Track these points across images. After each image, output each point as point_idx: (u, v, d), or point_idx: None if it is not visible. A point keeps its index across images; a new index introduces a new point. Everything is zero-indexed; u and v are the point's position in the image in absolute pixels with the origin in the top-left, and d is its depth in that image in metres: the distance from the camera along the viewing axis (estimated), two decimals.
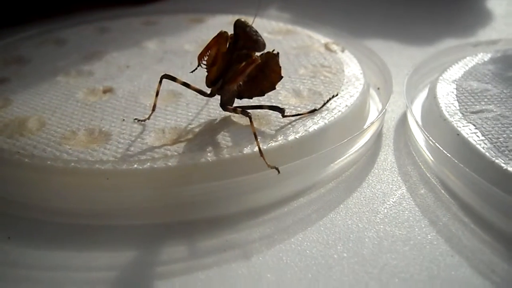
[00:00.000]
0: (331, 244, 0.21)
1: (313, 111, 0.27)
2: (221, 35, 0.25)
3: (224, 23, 0.41)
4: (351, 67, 0.33)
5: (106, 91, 0.31)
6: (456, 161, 0.24)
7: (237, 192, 0.24)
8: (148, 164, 0.23)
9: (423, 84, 0.34)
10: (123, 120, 0.27)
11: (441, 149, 0.25)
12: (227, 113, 0.27)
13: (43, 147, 0.25)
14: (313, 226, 0.23)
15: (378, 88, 0.33)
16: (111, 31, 0.40)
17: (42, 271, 0.21)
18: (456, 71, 0.33)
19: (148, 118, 0.27)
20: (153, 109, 0.27)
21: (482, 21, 0.49)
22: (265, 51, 0.26)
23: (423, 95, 0.33)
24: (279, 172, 0.23)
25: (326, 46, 0.36)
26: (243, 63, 0.25)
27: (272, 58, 0.26)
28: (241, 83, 0.26)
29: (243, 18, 0.25)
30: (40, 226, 0.23)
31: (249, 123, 0.24)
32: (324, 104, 0.28)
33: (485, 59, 0.35)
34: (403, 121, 0.31)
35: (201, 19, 0.42)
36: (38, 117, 0.28)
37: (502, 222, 0.23)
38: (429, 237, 0.22)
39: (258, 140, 0.23)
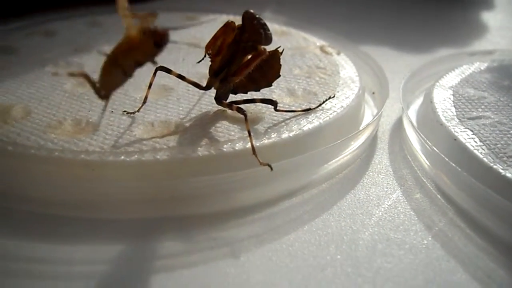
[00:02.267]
0: (323, 246, 0.21)
1: (307, 110, 0.26)
2: (228, 25, 0.24)
3: (218, 22, 0.40)
4: (347, 70, 0.32)
5: (72, 75, 0.30)
6: (453, 165, 0.24)
7: (227, 188, 0.23)
8: (136, 156, 0.22)
9: (419, 90, 0.33)
10: (112, 112, 0.26)
11: (438, 153, 0.25)
12: (220, 108, 0.26)
13: (27, 135, 0.24)
14: (305, 226, 0.22)
15: (373, 93, 0.33)
16: (102, 25, 0.40)
17: (21, 263, 0.20)
18: (453, 78, 0.33)
19: (138, 111, 0.26)
20: (144, 102, 0.26)
21: (477, 32, 0.49)
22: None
23: (418, 101, 0.32)
24: (271, 169, 0.22)
25: (322, 49, 0.35)
26: (249, 56, 0.24)
27: (275, 55, 0.25)
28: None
29: (252, 10, 0.24)
30: (20, 217, 0.22)
31: (243, 120, 0.23)
32: (320, 104, 0.27)
33: (482, 68, 0.34)
34: (398, 126, 0.30)
35: (196, 17, 0.42)
36: (24, 106, 0.27)
37: (499, 228, 0.22)
38: (425, 242, 0.21)
39: (252, 137, 0.23)
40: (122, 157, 0.22)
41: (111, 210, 0.23)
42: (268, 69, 0.25)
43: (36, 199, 0.22)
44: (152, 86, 0.26)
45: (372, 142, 0.28)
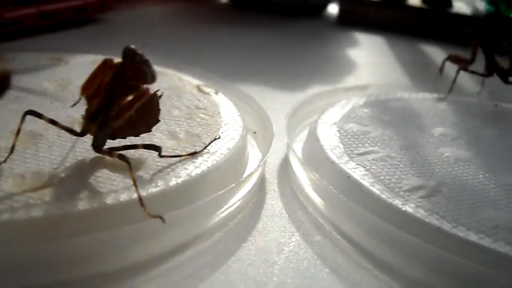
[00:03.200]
0: None
1: (193, 154, 0.25)
2: (106, 63, 0.22)
3: (86, 63, 0.38)
4: (227, 109, 0.31)
5: None
6: (353, 204, 0.24)
7: (115, 246, 0.20)
8: (6, 214, 0.20)
9: (300, 127, 0.33)
10: None
11: (336, 192, 0.24)
12: (97, 155, 0.24)
13: None
14: (204, 282, 0.20)
15: (255, 132, 0.32)
16: None
17: None
18: (334, 114, 0.33)
19: (5, 161, 0.23)
20: (12, 151, 0.23)
21: (347, 69, 0.51)
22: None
23: (301, 138, 0.32)
24: (164, 221, 0.20)
25: (199, 88, 0.34)
26: (130, 97, 0.22)
27: (154, 98, 0.23)
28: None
29: (132, 45, 0.22)
30: None
31: (126, 168, 0.21)
32: (206, 146, 0.26)
33: (360, 103, 0.35)
34: (284, 165, 0.30)
35: (62, 58, 0.39)
36: None
37: (404, 264, 0.22)
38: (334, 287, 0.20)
39: (137, 187, 0.21)
40: None
41: None
42: (147, 113, 0.24)
43: None
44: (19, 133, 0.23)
45: (261, 184, 0.27)
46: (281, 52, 0.55)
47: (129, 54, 0.22)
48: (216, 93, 0.34)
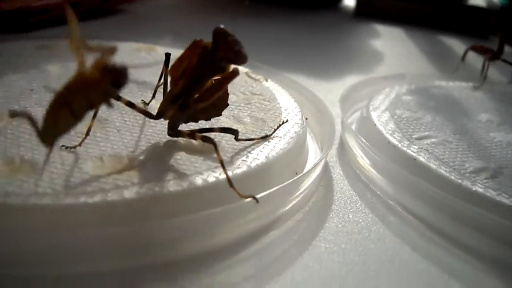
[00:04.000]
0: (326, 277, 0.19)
1: (265, 137, 0.25)
2: (196, 44, 0.22)
3: (128, 50, 0.38)
4: (282, 95, 0.31)
5: (14, 115, 0.26)
6: (429, 185, 0.24)
7: (205, 227, 0.20)
8: (99, 196, 0.19)
9: (347, 114, 0.33)
10: None
11: (407, 173, 0.25)
12: (169, 139, 0.24)
13: None
14: (296, 262, 0.20)
15: (306, 118, 0.32)
16: (1, 55, 0.35)
17: None
18: (382, 101, 0.33)
19: (80, 145, 0.23)
20: (87, 134, 0.23)
21: (374, 59, 0.51)
22: None
23: (353, 125, 0.33)
24: (257, 201, 0.20)
25: (248, 75, 0.34)
26: (217, 78, 0.22)
27: (233, 76, 0.23)
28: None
29: (222, 25, 0.22)
30: None
31: (204, 150, 0.21)
32: (275, 130, 0.26)
33: (403, 91, 0.36)
34: (341, 149, 0.30)
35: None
36: None
37: (474, 239, 0.23)
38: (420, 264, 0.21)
39: (226, 168, 0.21)
40: (83, 199, 0.19)
41: (70, 263, 0.19)
42: (219, 97, 0.24)
43: None
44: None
45: (325, 168, 0.27)
46: (303, 44, 0.55)
47: (221, 34, 0.21)
48: (266, 80, 0.33)
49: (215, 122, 0.26)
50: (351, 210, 0.24)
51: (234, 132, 0.23)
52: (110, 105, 0.19)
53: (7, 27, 0.46)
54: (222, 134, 0.24)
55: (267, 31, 0.58)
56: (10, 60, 0.34)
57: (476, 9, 0.66)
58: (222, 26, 0.21)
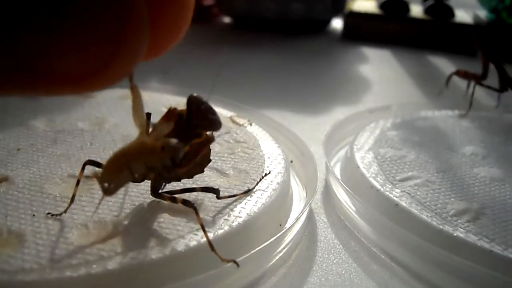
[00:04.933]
0: None
1: (247, 192, 0.26)
2: (171, 113, 0.22)
3: (115, 98, 0.38)
4: (265, 141, 0.32)
5: (1, 180, 0.26)
6: (405, 231, 0.24)
7: None
8: (83, 269, 0.20)
9: (332, 152, 0.34)
10: (33, 215, 0.23)
11: (388, 220, 0.25)
12: (153, 200, 0.25)
13: None
14: None
15: (291, 161, 0.32)
16: None
17: None
18: (366, 138, 0.34)
19: (65, 212, 0.23)
20: (72, 200, 0.24)
21: (361, 86, 0.52)
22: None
23: (334, 163, 0.33)
24: (238, 265, 0.21)
25: (232, 120, 0.34)
26: (193, 143, 0.23)
27: (208, 142, 0.24)
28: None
29: (196, 93, 0.22)
30: None
31: (187, 212, 0.22)
32: (257, 183, 0.26)
33: (388, 125, 0.36)
34: (326, 193, 0.30)
35: (88, 94, 0.39)
36: None
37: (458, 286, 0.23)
38: None
39: (206, 231, 0.21)
40: (68, 273, 0.20)
41: None
42: (202, 156, 0.24)
43: None
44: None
45: (310, 214, 0.28)
46: (290, 72, 0.56)
47: (194, 103, 0.22)
48: (250, 124, 0.34)
49: (199, 177, 0.27)
50: (334, 261, 0.24)
51: (215, 191, 0.24)
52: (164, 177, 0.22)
53: None
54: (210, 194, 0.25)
55: (254, 58, 0.59)
56: None
57: (462, 26, 0.66)
58: (195, 94, 0.22)
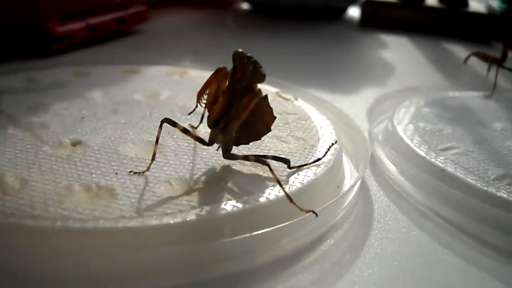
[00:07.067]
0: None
1: (317, 160, 0.27)
2: (220, 71, 0.24)
3: (162, 74, 0.40)
4: (314, 114, 0.34)
5: (76, 143, 0.28)
6: (457, 192, 0.26)
7: (273, 240, 0.23)
8: (180, 217, 0.22)
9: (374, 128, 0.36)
10: (116, 173, 0.25)
11: (440, 183, 0.27)
12: (226, 161, 0.26)
13: (42, 206, 0.22)
14: (351, 268, 0.23)
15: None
16: (40, 81, 0.37)
17: None
18: (404, 114, 0.36)
19: (148, 170, 0.25)
20: (153, 159, 0.25)
21: (385, 71, 0.54)
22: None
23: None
24: (316, 215, 0.23)
25: (279, 95, 0.36)
26: (245, 99, 0.24)
27: (265, 98, 0.25)
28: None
29: (240, 49, 0.24)
30: None
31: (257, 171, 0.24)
32: (326, 152, 0.28)
33: (422, 103, 0.38)
34: (372, 163, 0.32)
35: (136, 70, 0.41)
36: (13, 174, 0.24)
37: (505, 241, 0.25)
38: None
39: (283, 185, 0.23)
40: (166, 220, 0.22)
41: (151, 278, 0.21)
42: (262, 114, 0.26)
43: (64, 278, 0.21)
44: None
45: (362, 179, 0.30)
46: (313, 57, 0.58)
47: (238, 57, 0.24)
48: (296, 99, 0.36)
49: (260, 142, 0.28)
50: (390, 217, 0.26)
51: (286, 161, 0.26)
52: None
53: (31, 52, 0.48)
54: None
55: (276, 43, 0.61)
56: (50, 88, 0.36)
57: (477, 15, 0.69)
58: (240, 50, 0.24)
